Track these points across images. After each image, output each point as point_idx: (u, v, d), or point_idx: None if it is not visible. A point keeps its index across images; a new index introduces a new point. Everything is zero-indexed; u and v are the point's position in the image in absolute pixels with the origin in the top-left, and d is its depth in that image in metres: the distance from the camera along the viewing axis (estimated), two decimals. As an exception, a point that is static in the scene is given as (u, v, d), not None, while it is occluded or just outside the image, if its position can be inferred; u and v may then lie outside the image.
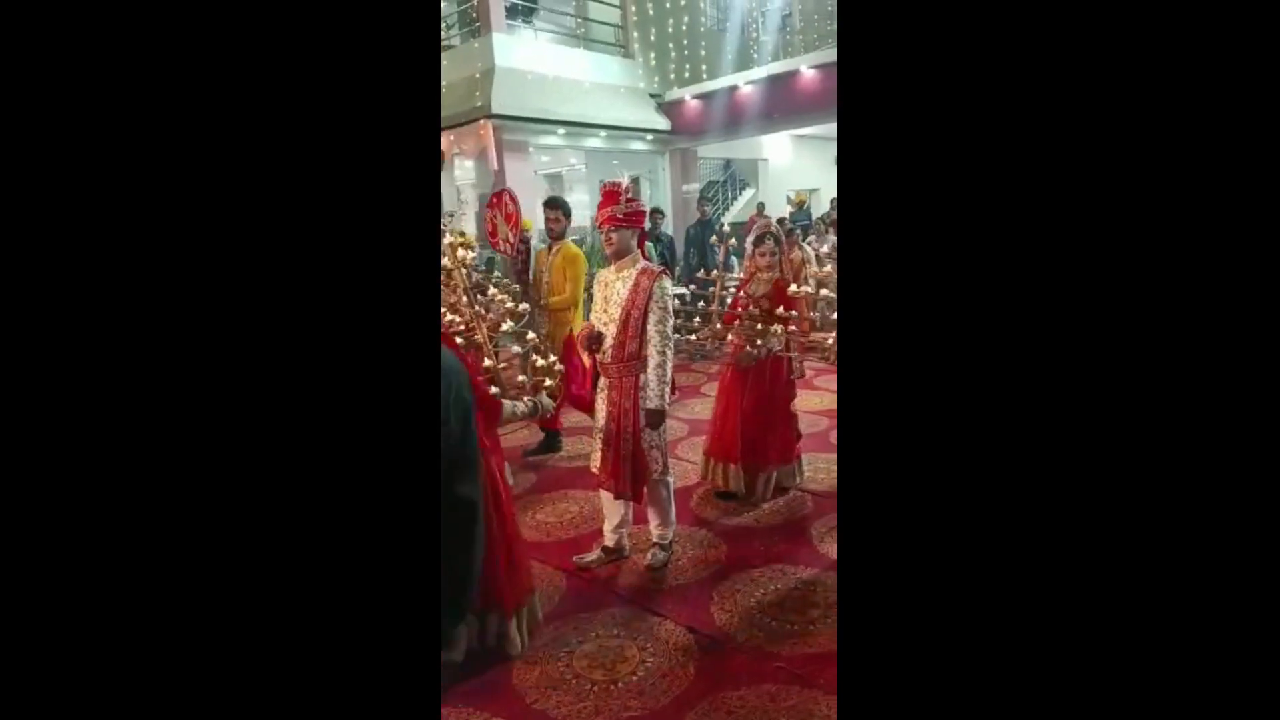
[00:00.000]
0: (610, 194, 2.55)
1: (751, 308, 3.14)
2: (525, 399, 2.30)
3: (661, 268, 2.65)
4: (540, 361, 2.36)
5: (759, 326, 3.03)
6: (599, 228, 2.63)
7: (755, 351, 3.09)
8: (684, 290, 4.03)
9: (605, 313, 2.62)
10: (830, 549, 2.78)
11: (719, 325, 3.22)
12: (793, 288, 3.62)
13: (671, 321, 2.58)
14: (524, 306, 2.40)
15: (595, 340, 2.60)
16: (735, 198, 12.96)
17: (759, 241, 3.24)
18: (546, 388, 2.33)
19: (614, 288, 2.61)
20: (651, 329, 2.52)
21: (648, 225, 3.63)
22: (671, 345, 2.57)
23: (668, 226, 7.70)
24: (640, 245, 2.68)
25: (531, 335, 2.53)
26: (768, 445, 3.24)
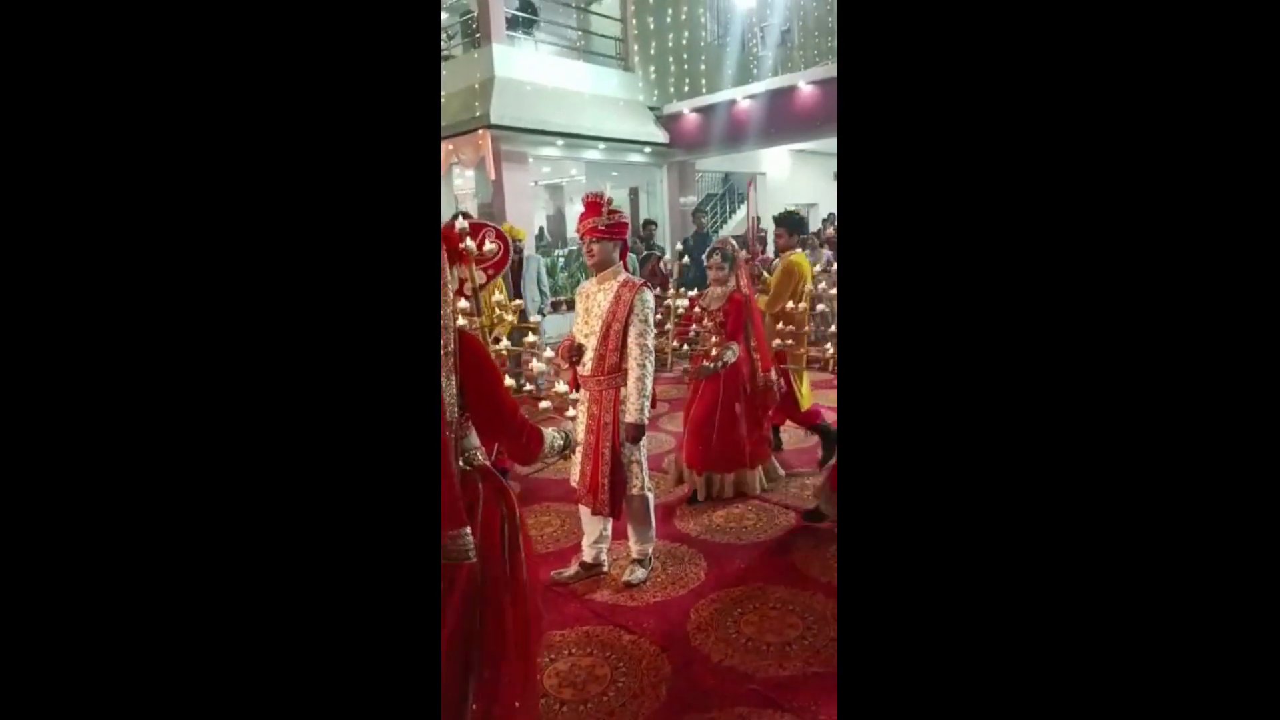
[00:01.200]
0: (592, 205, 2.53)
1: (706, 320, 3.31)
2: (558, 429, 1.80)
3: (643, 280, 2.63)
4: (560, 385, 2.11)
5: (714, 339, 3.22)
6: (580, 239, 2.61)
7: (711, 365, 3.24)
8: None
9: (586, 325, 2.59)
10: (812, 569, 2.74)
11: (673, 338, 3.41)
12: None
13: (653, 335, 2.55)
14: (518, 302, 2.35)
15: (576, 352, 2.57)
16: (734, 211, 12.99)
17: (709, 256, 3.40)
18: (570, 416, 2.03)
19: (595, 299, 2.58)
20: (632, 342, 2.50)
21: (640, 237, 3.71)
22: (652, 358, 2.54)
23: (661, 238, 7.73)
24: (622, 257, 2.66)
25: (549, 352, 2.42)
26: (715, 451, 3.34)
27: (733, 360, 3.22)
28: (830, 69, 8.28)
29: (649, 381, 2.52)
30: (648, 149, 9.76)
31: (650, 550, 2.75)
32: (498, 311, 2.74)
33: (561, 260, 9.68)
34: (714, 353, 3.22)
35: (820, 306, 4.86)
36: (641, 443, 2.59)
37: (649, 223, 7.32)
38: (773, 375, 3.39)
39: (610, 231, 2.54)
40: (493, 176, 7.87)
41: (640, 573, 2.67)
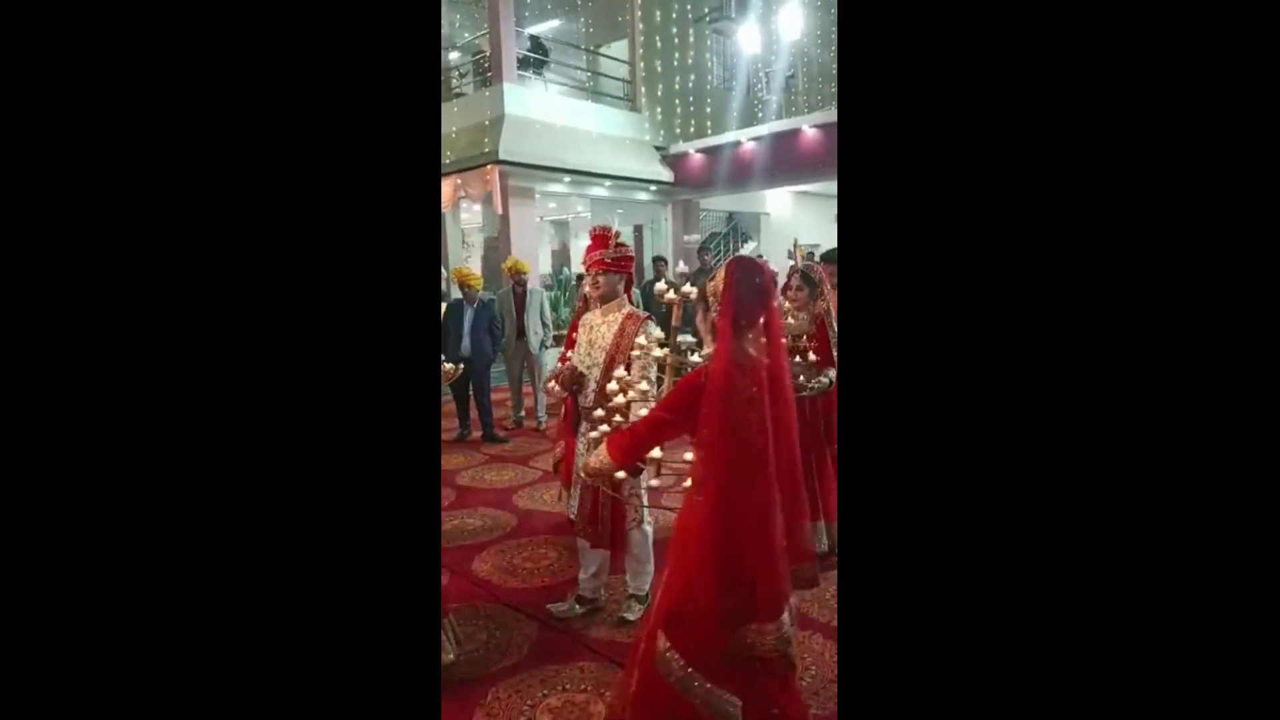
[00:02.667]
0: (599, 238, 2.57)
1: None
2: None
3: (647, 314, 2.65)
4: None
5: None
6: (586, 271, 2.64)
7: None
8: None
9: (589, 356, 2.60)
10: (811, 609, 2.70)
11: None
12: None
13: (655, 369, 2.56)
14: None
15: (577, 380, 2.57)
16: (737, 249, 13.13)
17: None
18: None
19: (599, 331, 2.60)
20: (635, 375, 2.50)
21: (652, 274, 3.74)
22: (655, 391, 2.54)
23: (671, 275, 7.80)
24: (627, 290, 2.68)
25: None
26: None
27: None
28: (831, 114, 8.46)
29: (651, 414, 2.52)
30: (653, 187, 9.91)
31: (648, 586, 2.71)
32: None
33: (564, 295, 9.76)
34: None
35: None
36: (642, 476, 2.57)
37: (659, 259, 7.41)
38: None
39: (616, 264, 2.57)
40: (500, 211, 7.98)
41: (638, 609, 2.63)
